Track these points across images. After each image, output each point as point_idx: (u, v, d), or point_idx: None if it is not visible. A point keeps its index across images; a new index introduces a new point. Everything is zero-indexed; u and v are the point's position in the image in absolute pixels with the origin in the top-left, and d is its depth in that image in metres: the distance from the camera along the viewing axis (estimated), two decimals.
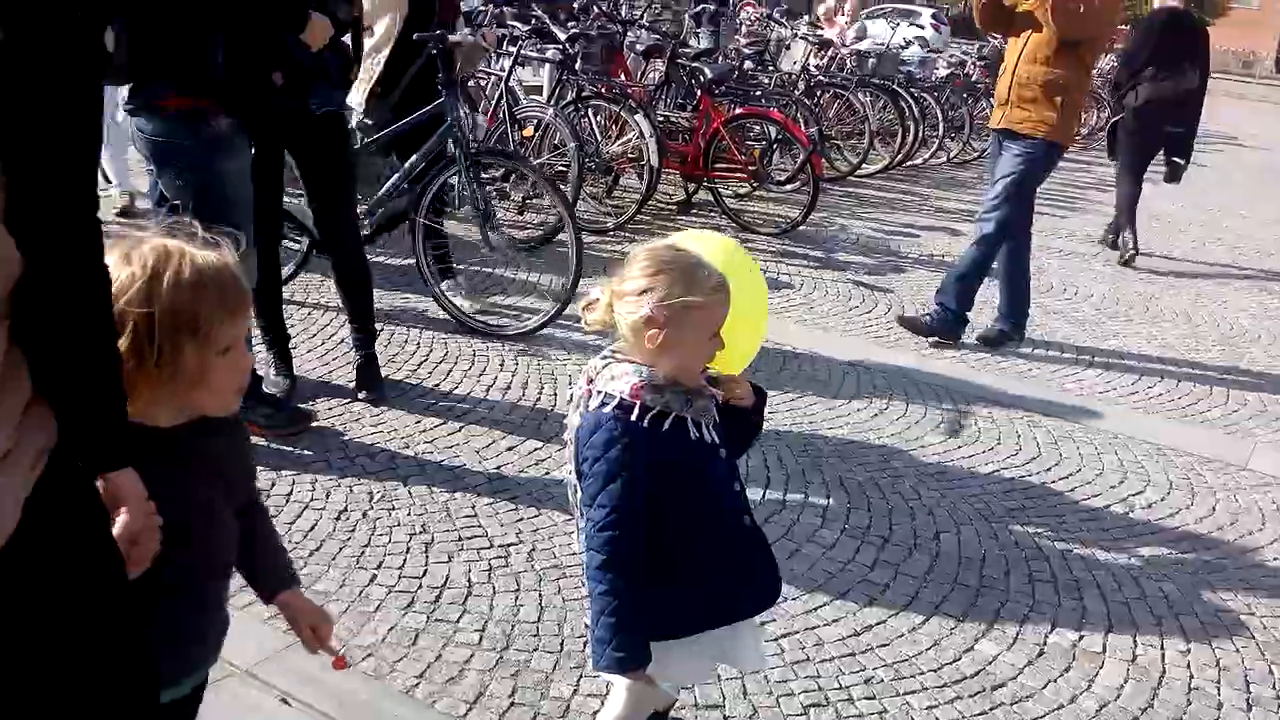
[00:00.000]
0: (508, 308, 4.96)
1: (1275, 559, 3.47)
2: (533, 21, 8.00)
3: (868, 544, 3.25)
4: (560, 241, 5.50)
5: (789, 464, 3.70)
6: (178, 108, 3.19)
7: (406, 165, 4.64)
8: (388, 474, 3.34)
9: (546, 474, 3.43)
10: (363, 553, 2.90)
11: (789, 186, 7.63)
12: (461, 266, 5.14)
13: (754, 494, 3.27)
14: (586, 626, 2.55)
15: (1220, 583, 3.27)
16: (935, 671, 2.68)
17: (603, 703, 2.19)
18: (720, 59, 8.79)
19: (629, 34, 8.60)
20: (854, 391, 4.50)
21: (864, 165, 9.45)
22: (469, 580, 2.83)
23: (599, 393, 1.82)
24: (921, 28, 20.05)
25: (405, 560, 2.89)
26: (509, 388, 4.11)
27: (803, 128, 7.75)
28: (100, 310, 1.12)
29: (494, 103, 6.46)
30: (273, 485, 3.16)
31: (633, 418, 1.78)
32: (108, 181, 5.76)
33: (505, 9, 8.47)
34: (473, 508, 3.19)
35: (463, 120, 4.50)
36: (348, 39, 3.77)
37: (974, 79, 12.03)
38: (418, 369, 4.22)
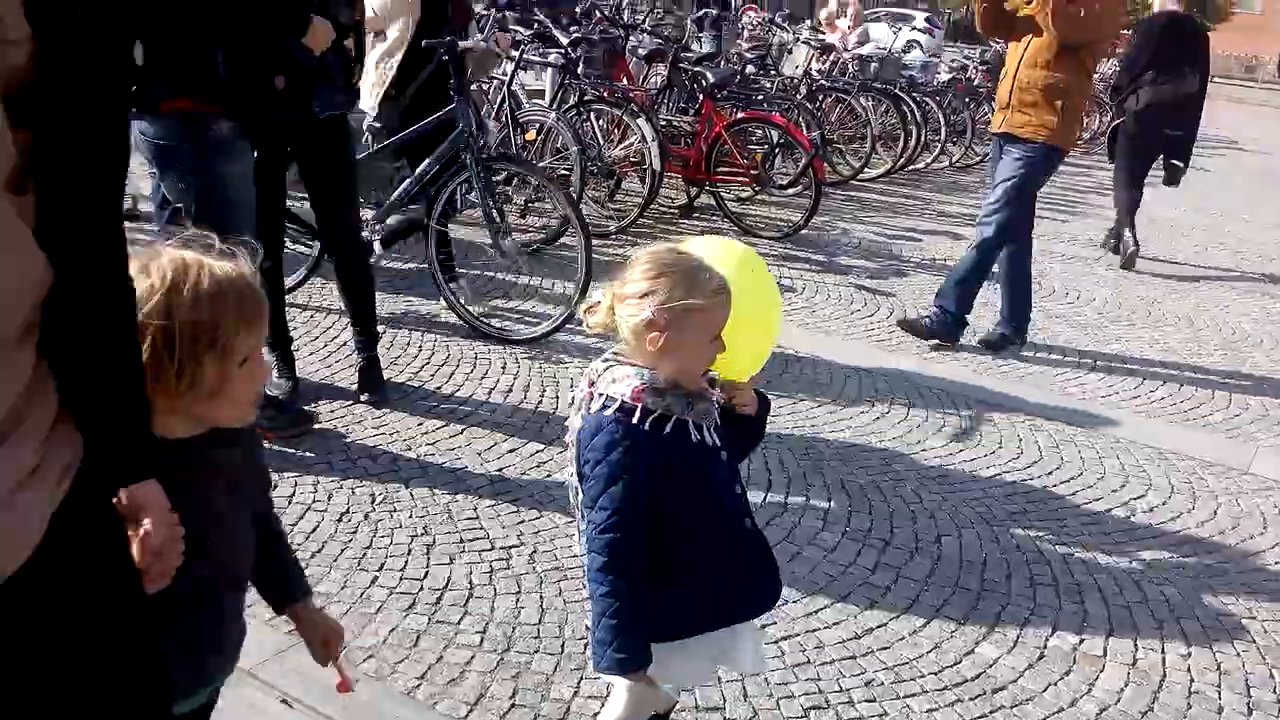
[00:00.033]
0: (511, 311, 4.97)
1: (1276, 563, 3.47)
2: (535, 26, 8.01)
3: (869, 547, 3.26)
4: (567, 246, 5.51)
5: (790, 467, 3.70)
6: (179, 110, 3.20)
7: (418, 171, 4.63)
8: (390, 476, 3.35)
9: (548, 476, 3.44)
10: (364, 554, 2.91)
11: (791, 190, 7.63)
12: (463, 271, 5.14)
13: (755, 497, 3.28)
14: (587, 628, 2.55)
15: (1221, 587, 3.27)
16: (936, 674, 2.68)
17: (603, 704, 2.19)
18: (722, 63, 8.80)
19: (631, 38, 8.62)
20: (855, 395, 4.50)
21: (866, 169, 9.46)
22: (470, 582, 2.84)
23: (600, 395, 1.83)
24: (916, 29, 20.07)
25: (407, 562, 2.90)
26: (511, 390, 4.12)
27: (805, 132, 7.76)
28: (126, 322, 1.12)
29: (496, 106, 6.47)
30: (275, 487, 3.16)
31: (634, 420, 1.78)
32: None
33: (508, 14, 8.48)
34: (474, 510, 3.20)
35: (474, 126, 4.51)
36: (350, 42, 3.78)
37: (976, 83, 12.03)
38: (420, 371, 4.23)
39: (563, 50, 7.35)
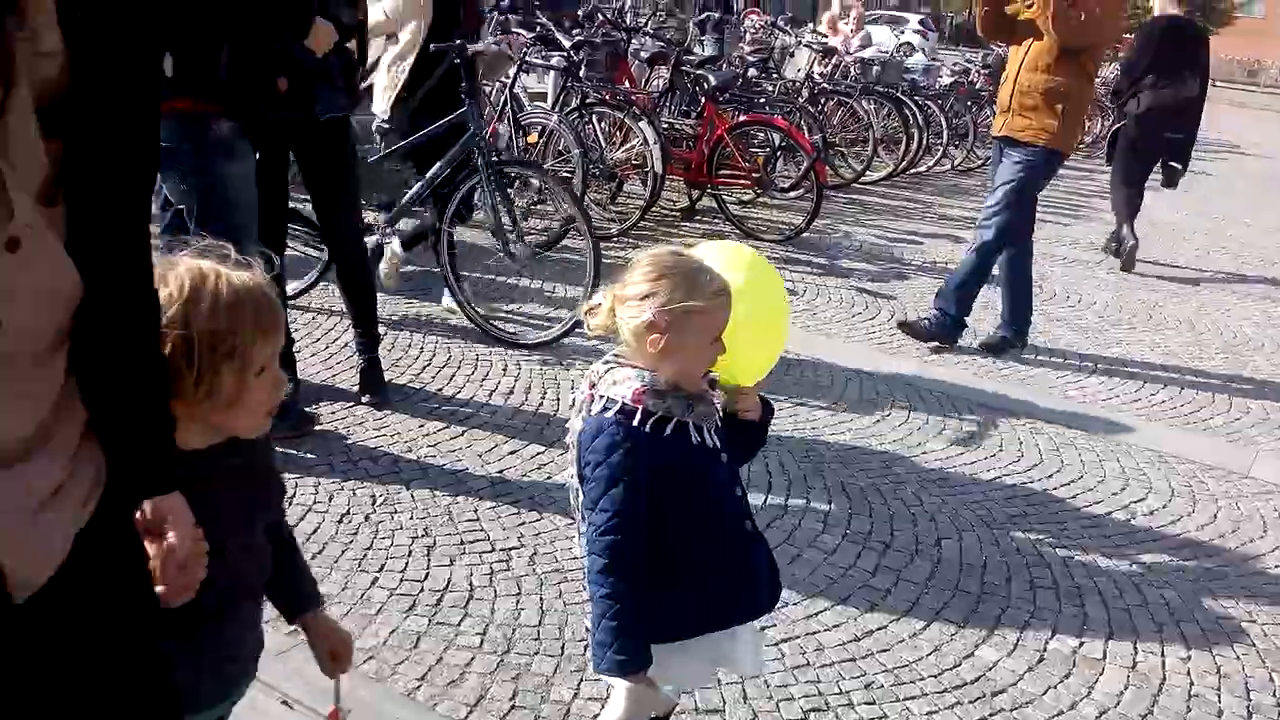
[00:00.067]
0: (518, 315, 4.97)
1: (1276, 567, 3.47)
2: (537, 29, 8.02)
3: (869, 550, 3.26)
4: (568, 248, 5.52)
5: (791, 469, 3.70)
6: (179, 110, 3.20)
7: (430, 173, 4.62)
8: (390, 477, 3.35)
9: (549, 478, 3.44)
10: (365, 555, 2.91)
11: (792, 193, 7.64)
12: (466, 274, 5.15)
13: (755, 499, 3.28)
14: (588, 630, 2.56)
15: (1221, 590, 3.27)
16: (935, 677, 2.68)
17: (603, 706, 2.20)
18: (725, 66, 8.80)
19: (633, 41, 8.62)
20: (856, 397, 4.50)
21: (868, 172, 9.47)
22: (470, 584, 2.84)
23: (601, 397, 1.83)
24: (911, 31, 20.08)
25: (407, 563, 2.90)
26: (512, 392, 4.13)
27: (806, 135, 7.76)
28: (152, 334, 1.12)
29: (499, 109, 6.48)
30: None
31: (634, 423, 1.78)
32: None
33: (510, 16, 8.50)
34: (475, 511, 3.20)
35: (485, 130, 4.50)
36: (353, 44, 3.79)
37: (978, 87, 12.04)
38: (421, 373, 4.23)
39: (565, 53, 7.36)
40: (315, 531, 3.00)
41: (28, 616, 0.97)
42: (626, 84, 8.00)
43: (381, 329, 4.14)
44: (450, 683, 2.45)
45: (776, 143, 7.57)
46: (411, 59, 4.67)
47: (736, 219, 7.36)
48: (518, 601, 2.79)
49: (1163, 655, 2.90)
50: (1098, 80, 11.09)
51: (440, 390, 4.09)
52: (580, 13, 9.26)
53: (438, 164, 4.59)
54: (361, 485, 3.28)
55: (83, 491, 1.01)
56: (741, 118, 7.61)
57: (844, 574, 3.11)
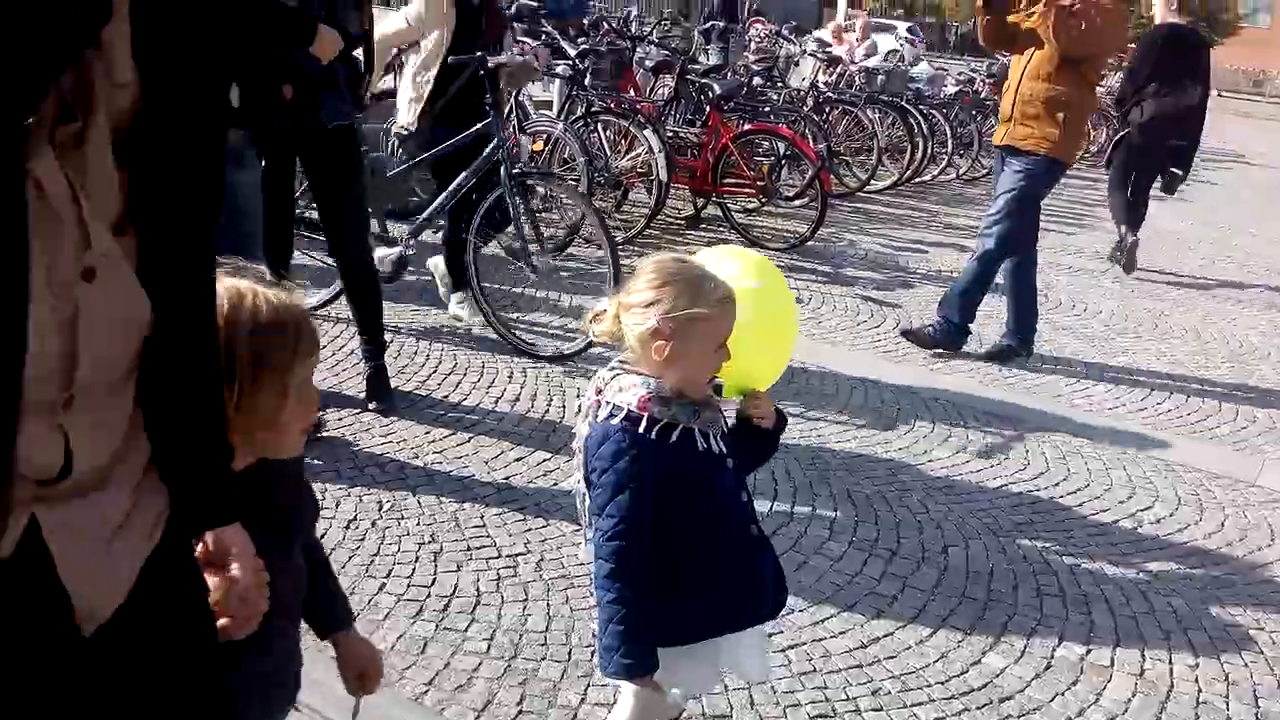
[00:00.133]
0: (535, 325, 4.95)
1: None
2: (543, 38, 8.06)
3: (875, 557, 3.26)
4: (573, 256, 5.52)
5: (797, 477, 3.70)
6: None
7: (453, 185, 4.61)
8: (397, 484, 3.36)
9: (555, 485, 3.44)
10: (372, 561, 2.92)
11: (797, 202, 7.64)
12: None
13: (762, 506, 3.28)
14: (594, 635, 2.56)
15: (1229, 598, 3.26)
16: (943, 684, 2.68)
17: (610, 711, 2.20)
18: (729, 75, 8.83)
19: (638, 50, 8.65)
20: (862, 405, 4.50)
21: (872, 181, 9.47)
22: (477, 589, 2.84)
23: (607, 404, 1.84)
24: (899, 38, 20.08)
25: (414, 569, 2.90)
26: (517, 399, 4.13)
27: (811, 144, 7.78)
28: (214, 362, 1.11)
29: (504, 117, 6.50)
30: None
31: (640, 429, 1.79)
32: None
33: (516, 25, 8.53)
34: (481, 518, 3.21)
35: (508, 141, 4.50)
36: (359, 53, 3.81)
37: (983, 96, 12.05)
38: (427, 380, 4.24)
39: (570, 62, 7.39)
40: (322, 537, 2.98)
41: (93, 650, 0.96)
42: (631, 92, 8.02)
43: (388, 336, 4.14)
44: (458, 688, 2.45)
45: (781, 151, 7.57)
46: (435, 69, 4.66)
47: (741, 227, 7.37)
48: (524, 607, 2.79)
49: (1170, 663, 2.89)
50: (1102, 89, 11.15)
51: (446, 397, 4.10)
52: (585, 22, 9.31)
53: (462, 175, 4.56)
54: (368, 491, 3.29)
55: (148, 522, 1.01)
56: (746, 126, 7.63)
57: (850, 581, 3.11)
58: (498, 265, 5.30)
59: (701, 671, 2.00)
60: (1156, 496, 3.93)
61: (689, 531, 1.85)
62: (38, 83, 0.80)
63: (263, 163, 3.78)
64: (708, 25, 11.74)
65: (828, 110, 9.59)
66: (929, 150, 9.98)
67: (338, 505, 3.18)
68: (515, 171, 4.49)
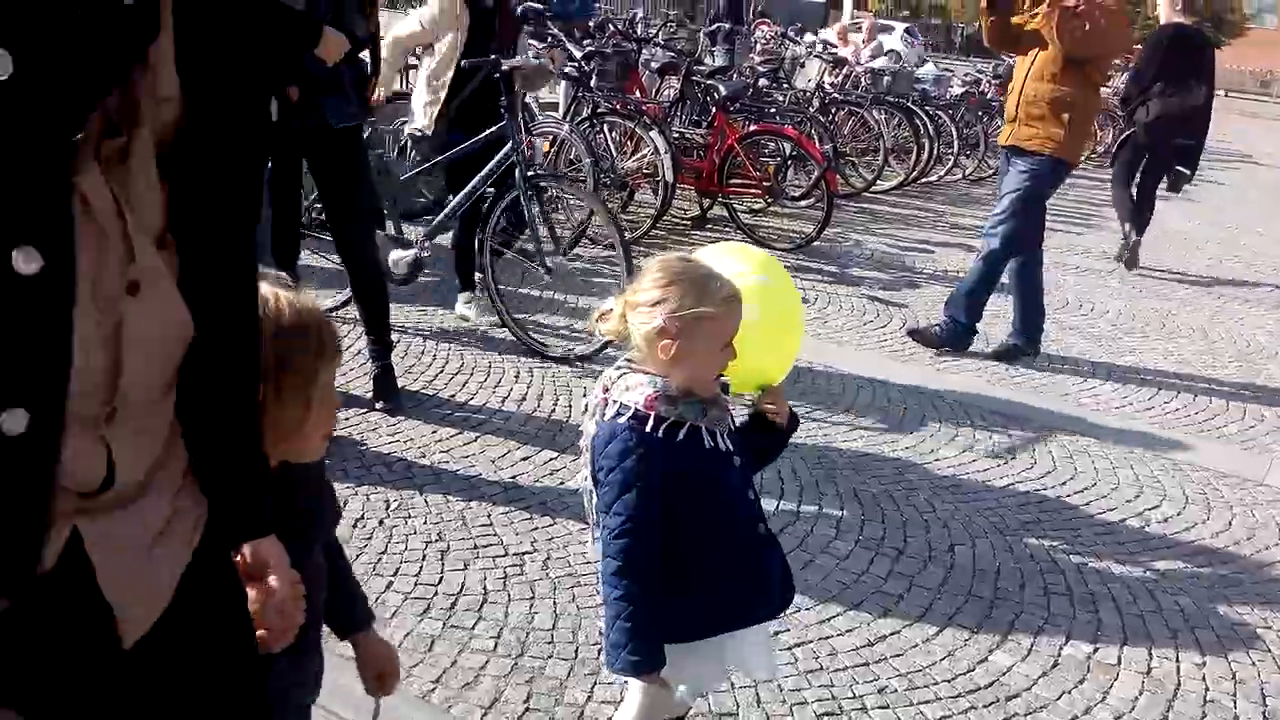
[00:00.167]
0: (549, 326, 4.95)
1: None
2: (549, 39, 8.06)
3: (882, 555, 3.26)
4: (577, 256, 5.52)
5: (803, 476, 3.70)
6: None
7: (469, 187, 4.61)
8: (404, 483, 3.37)
9: (561, 484, 3.45)
10: (379, 560, 2.92)
11: (803, 202, 7.65)
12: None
13: (768, 505, 3.28)
14: (601, 634, 2.57)
15: (1236, 597, 3.26)
16: (949, 682, 2.68)
17: (617, 709, 2.20)
18: (735, 76, 8.83)
19: (644, 52, 8.66)
20: (868, 405, 4.50)
21: (879, 182, 9.47)
22: (484, 588, 2.85)
23: (614, 403, 1.84)
24: (901, 39, 20.08)
25: (421, 568, 2.91)
26: (524, 399, 4.14)
27: (817, 144, 7.78)
28: (254, 376, 1.10)
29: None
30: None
31: (647, 428, 1.80)
32: None
33: (522, 27, 8.54)
34: (488, 516, 3.21)
35: (524, 144, 4.51)
36: (366, 55, 3.82)
37: (989, 97, 12.04)
38: (434, 380, 4.25)
39: (576, 63, 7.39)
40: None
41: (134, 660, 0.95)
42: (637, 94, 8.03)
43: (395, 336, 4.16)
44: (465, 685, 2.45)
45: (787, 152, 7.58)
46: (451, 72, 4.67)
47: (747, 228, 7.37)
48: (531, 605, 2.79)
49: (1178, 661, 2.89)
50: (1108, 90, 11.15)
51: (453, 396, 4.11)
52: (591, 23, 9.31)
53: (477, 177, 4.57)
54: (375, 490, 3.29)
55: (187, 528, 1.01)
56: (752, 127, 7.63)
57: (857, 580, 3.11)
58: (504, 266, 5.30)
59: (708, 669, 2.00)
60: (1164, 495, 3.92)
61: (696, 530, 1.85)
62: (87, 101, 0.81)
63: (269, 165, 3.79)
64: (713, 27, 11.75)
65: (833, 111, 9.59)
66: (935, 151, 9.98)
67: (345, 504, 3.18)
68: (530, 174, 4.50)
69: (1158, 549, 3.52)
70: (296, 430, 1.39)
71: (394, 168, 5.13)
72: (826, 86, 10.01)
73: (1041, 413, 4.64)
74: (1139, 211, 7.93)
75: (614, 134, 7.16)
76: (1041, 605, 3.08)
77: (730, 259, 2.01)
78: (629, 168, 7.14)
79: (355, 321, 4.34)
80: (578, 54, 7.62)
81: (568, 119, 7.08)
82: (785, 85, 9.89)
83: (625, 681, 1.99)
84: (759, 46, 12.13)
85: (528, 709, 2.40)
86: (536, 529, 3.17)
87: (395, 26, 4.95)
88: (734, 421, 1.95)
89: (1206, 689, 2.78)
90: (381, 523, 3.11)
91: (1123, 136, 8.33)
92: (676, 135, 7.43)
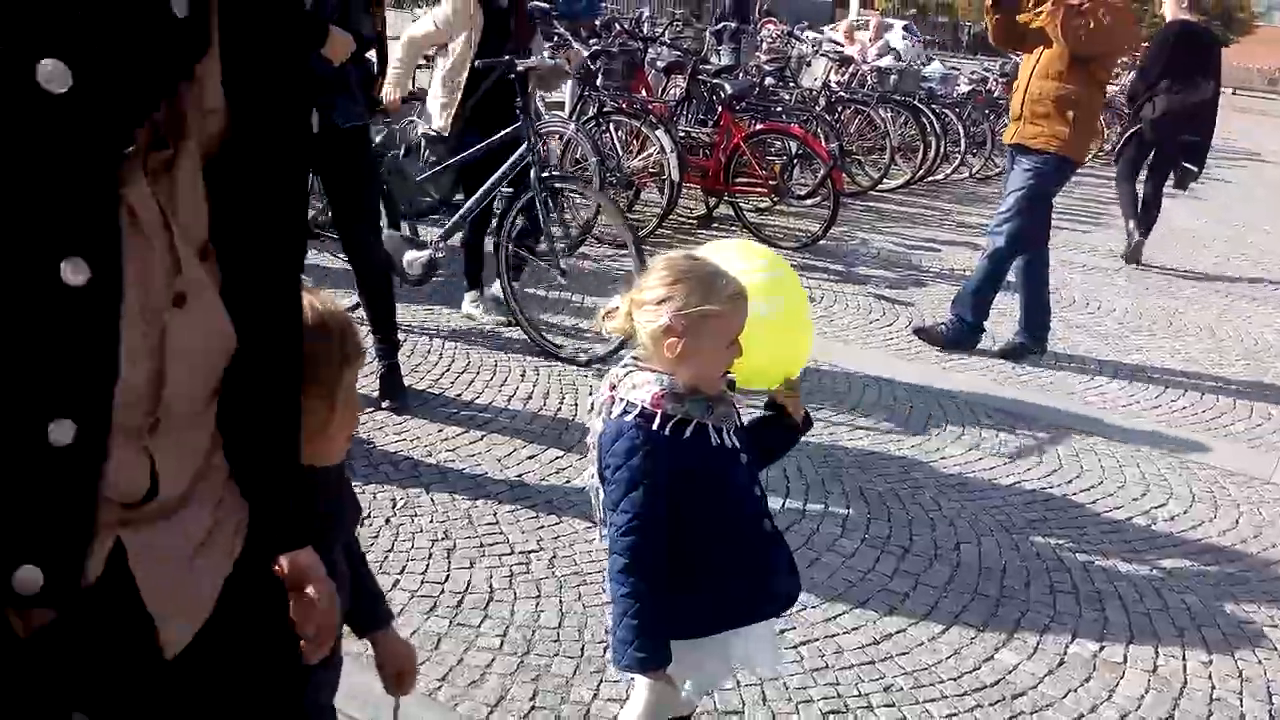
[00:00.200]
0: (563, 328, 4.95)
1: None
2: (555, 38, 8.07)
3: (888, 554, 3.26)
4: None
5: (809, 474, 3.70)
6: None
7: (484, 188, 4.62)
8: (410, 481, 3.38)
9: (567, 482, 3.45)
10: (386, 558, 2.93)
11: (809, 201, 7.65)
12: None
13: (774, 503, 3.26)
14: (607, 632, 2.57)
15: (1243, 595, 3.25)
16: (955, 680, 2.68)
17: (623, 706, 2.21)
18: (741, 75, 8.83)
19: (650, 51, 8.66)
20: (874, 403, 4.50)
21: (885, 180, 9.46)
22: (490, 586, 2.86)
23: (621, 400, 1.85)
24: (900, 37, 20.05)
25: (428, 566, 2.92)
26: (530, 397, 4.15)
27: (823, 143, 7.78)
28: (295, 387, 1.09)
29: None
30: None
31: (654, 426, 1.80)
32: None
33: (537, 28, 8.55)
34: (494, 515, 3.22)
35: (538, 145, 4.51)
36: (372, 54, 3.83)
37: (996, 95, 12.02)
38: (440, 379, 4.26)
39: (582, 62, 7.39)
40: None
41: (177, 671, 0.95)
42: (643, 93, 8.03)
43: (400, 335, 4.16)
44: (471, 683, 2.46)
45: (793, 151, 7.57)
46: (466, 73, 4.67)
47: (753, 226, 7.37)
48: (537, 604, 2.80)
49: (1184, 659, 2.88)
50: (1115, 87, 11.13)
51: (459, 395, 4.11)
52: (597, 22, 9.30)
53: (492, 178, 4.57)
54: (382, 489, 3.30)
55: (229, 535, 1.01)
56: (758, 126, 7.63)
57: (863, 578, 3.11)
58: (518, 267, 5.31)
59: (714, 665, 2.00)
60: (1170, 494, 3.92)
61: (702, 527, 1.86)
62: (140, 114, 0.81)
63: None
64: (719, 26, 11.72)
65: (840, 110, 9.57)
66: (942, 149, 9.97)
67: None
68: (544, 176, 4.50)
69: (1164, 547, 3.52)
70: (321, 432, 1.38)
71: (409, 168, 5.14)
72: (833, 85, 10.00)
73: (1048, 411, 4.64)
74: (1146, 209, 7.95)
75: (620, 133, 7.16)
76: (1047, 603, 3.08)
77: (738, 255, 2.02)
78: (635, 167, 7.15)
79: (361, 320, 4.35)
80: (584, 53, 7.62)
81: (573, 118, 7.09)
82: (791, 84, 9.89)
83: (631, 679, 1.99)
84: (765, 45, 12.13)
85: (534, 707, 2.41)
86: (542, 527, 3.18)
87: (410, 27, 4.96)
88: (740, 419, 1.96)
89: (1213, 687, 2.78)
90: (388, 521, 3.12)
91: (1128, 133, 8.33)
92: (682, 134, 7.43)
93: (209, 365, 0.94)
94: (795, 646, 2.72)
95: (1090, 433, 4.42)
